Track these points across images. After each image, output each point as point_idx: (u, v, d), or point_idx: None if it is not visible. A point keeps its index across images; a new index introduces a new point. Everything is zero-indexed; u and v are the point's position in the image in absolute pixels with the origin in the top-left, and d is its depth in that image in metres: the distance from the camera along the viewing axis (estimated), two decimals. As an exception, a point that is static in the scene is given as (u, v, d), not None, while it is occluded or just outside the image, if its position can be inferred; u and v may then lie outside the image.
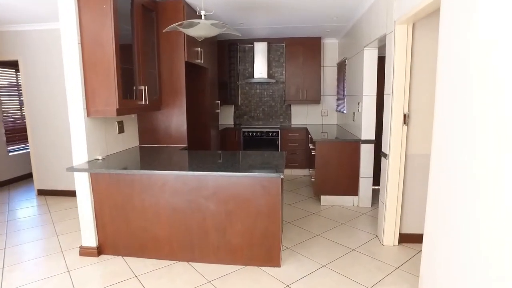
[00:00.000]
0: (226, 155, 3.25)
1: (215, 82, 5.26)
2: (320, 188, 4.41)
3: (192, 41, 3.85)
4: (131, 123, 3.72)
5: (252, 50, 6.35)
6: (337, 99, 6.31)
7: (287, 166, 6.10)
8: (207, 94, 4.73)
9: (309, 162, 5.74)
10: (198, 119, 4.77)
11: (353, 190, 4.37)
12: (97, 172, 2.76)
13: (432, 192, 2.09)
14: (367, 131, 4.17)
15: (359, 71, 4.26)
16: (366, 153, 4.22)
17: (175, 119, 3.81)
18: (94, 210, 2.91)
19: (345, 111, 5.40)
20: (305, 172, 6.14)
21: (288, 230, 3.63)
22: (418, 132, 3.06)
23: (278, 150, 6.03)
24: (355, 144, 4.25)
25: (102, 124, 3.11)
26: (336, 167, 4.33)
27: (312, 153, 4.47)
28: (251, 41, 6.15)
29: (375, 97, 4.10)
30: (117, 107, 2.81)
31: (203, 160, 2.95)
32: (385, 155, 3.14)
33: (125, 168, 2.75)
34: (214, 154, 3.32)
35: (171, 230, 2.84)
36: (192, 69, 4.57)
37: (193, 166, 2.79)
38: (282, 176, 2.40)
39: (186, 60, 3.68)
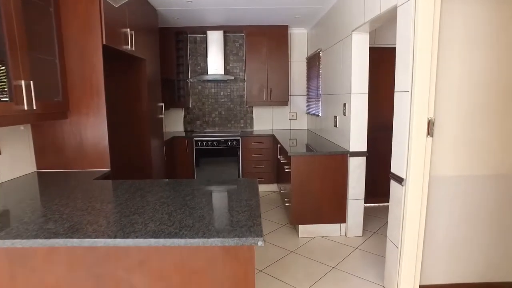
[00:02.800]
0: (167, 190, 2.08)
1: (157, 79, 4.06)
2: (297, 216, 3.40)
3: (114, 16, 2.65)
4: (19, 138, 2.43)
5: (205, 40, 5.21)
6: (307, 100, 5.37)
7: (251, 182, 5.02)
8: (144, 94, 3.52)
9: (278, 175, 4.74)
10: (132, 129, 3.54)
11: (339, 216, 3.40)
12: None
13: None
14: (358, 141, 3.22)
15: (345, 64, 3.31)
16: (356, 168, 3.28)
17: (91, 131, 2.58)
18: None
19: (320, 114, 4.45)
20: (273, 187, 5.12)
21: (261, 284, 2.56)
22: (447, 145, 2.14)
23: (239, 162, 4.94)
24: (342, 158, 3.29)
25: None
26: (318, 188, 3.34)
27: (286, 170, 3.44)
28: (203, 30, 5.01)
29: (367, 96, 3.17)
30: (-42, 117, 1.56)
31: (128, 203, 1.78)
32: (400, 180, 2.18)
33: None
34: (147, 188, 2.13)
35: (69, 326, 1.64)
36: (120, 60, 3.35)
37: (104, 223, 1.61)
38: (260, 243, 1.33)
39: (104, 43, 2.47)
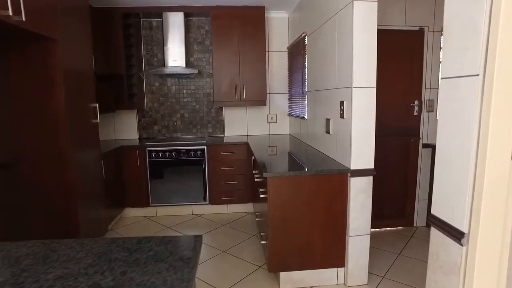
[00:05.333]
0: None
1: (87, 71, 3.00)
2: (277, 261, 2.41)
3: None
4: None
5: (162, 25, 4.16)
6: (289, 99, 4.42)
7: (220, 201, 4.03)
8: (58, 90, 2.47)
9: (254, 193, 3.75)
10: (39, 139, 2.48)
11: (336, 258, 2.44)
12: None
13: None
14: (362, 154, 2.28)
15: (343, 46, 2.36)
16: (360, 193, 2.32)
17: None
18: None
19: (306, 117, 3.50)
20: (248, 207, 4.12)
21: None
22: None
23: (204, 178, 3.92)
24: (340, 179, 2.33)
25: None
26: (306, 221, 2.37)
27: (262, 195, 2.46)
28: (159, 11, 3.97)
29: (375, 91, 2.23)
30: None
31: None
32: (458, 235, 1.22)
33: None
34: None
35: None
36: (12, 39, 2.30)
37: None
38: None
39: None
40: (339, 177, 2.32)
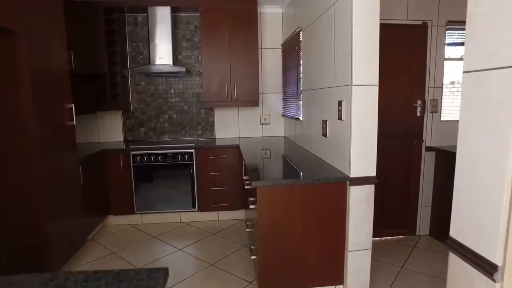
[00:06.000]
0: None
1: (60, 69, 2.74)
2: (269, 278, 2.16)
3: None
4: None
5: (147, 21, 3.89)
6: (283, 98, 4.17)
7: (210, 208, 3.77)
8: (26, 91, 2.21)
9: (245, 199, 3.50)
10: (5, 145, 2.22)
11: (333, 275, 2.20)
12: None
13: None
14: (362, 160, 2.03)
15: (341, 39, 2.12)
16: (360, 203, 2.08)
17: None
18: None
19: (301, 118, 3.25)
20: (239, 214, 3.86)
21: None
22: None
23: (193, 183, 3.67)
24: (337, 187, 2.09)
25: None
26: (300, 235, 2.12)
27: (251, 206, 2.21)
28: (144, 5, 3.71)
29: (377, 89, 1.99)
30: None
31: None
32: (491, 268, 0.97)
33: None
34: None
35: None
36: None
37: None
38: None
39: None
40: (337, 185, 2.08)
